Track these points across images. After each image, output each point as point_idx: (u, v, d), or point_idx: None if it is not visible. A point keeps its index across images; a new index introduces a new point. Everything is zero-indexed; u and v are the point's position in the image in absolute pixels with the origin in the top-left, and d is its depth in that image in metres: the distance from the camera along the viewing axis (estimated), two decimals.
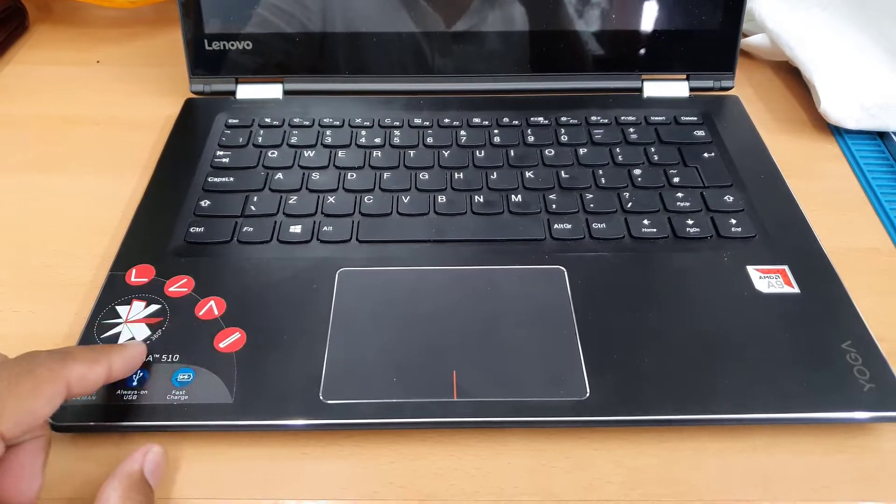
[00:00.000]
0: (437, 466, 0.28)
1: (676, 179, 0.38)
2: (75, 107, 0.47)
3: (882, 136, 0.43)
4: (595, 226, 0.36)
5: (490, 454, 0.28)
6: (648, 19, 0.44)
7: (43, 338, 0.33)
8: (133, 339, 0.31)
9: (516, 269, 0.34)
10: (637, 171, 0.39)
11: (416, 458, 0.28)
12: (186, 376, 0.30)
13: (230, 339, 0.31)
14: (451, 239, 0.36)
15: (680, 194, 0.38)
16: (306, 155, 0.41)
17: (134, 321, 0.32)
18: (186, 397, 0.29)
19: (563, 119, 0.43)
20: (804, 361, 0.30)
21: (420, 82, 0.45)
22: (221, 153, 0.41)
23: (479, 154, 0.41)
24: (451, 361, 0.30)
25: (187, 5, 0.43)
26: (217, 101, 0.45)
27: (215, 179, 0.39)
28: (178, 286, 0.34)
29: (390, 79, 0.45)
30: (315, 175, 0.39)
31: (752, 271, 0.34)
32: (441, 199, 0.38)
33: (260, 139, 0.42)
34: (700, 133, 0.42)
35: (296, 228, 0.36)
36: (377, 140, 0.42)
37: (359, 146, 0.41)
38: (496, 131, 0.42)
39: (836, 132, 0.44)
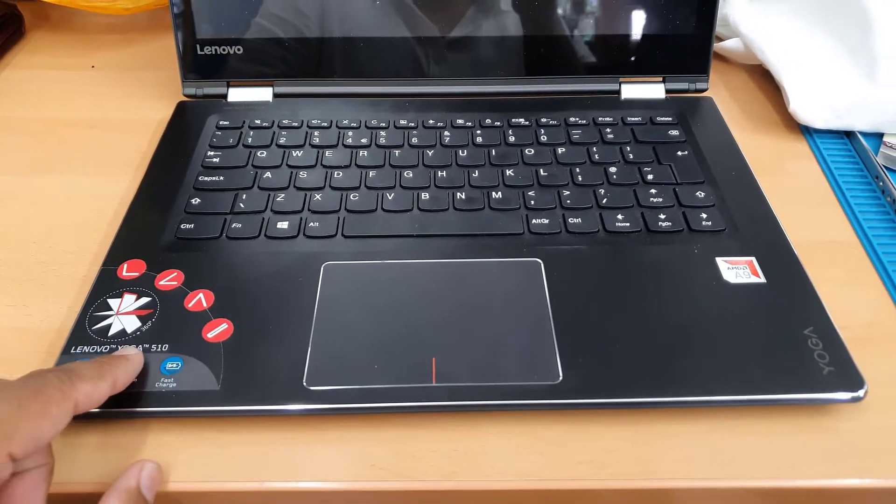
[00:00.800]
0: (417, 448, 0.29)
1: (650, 177, 0.40)
2: (71, 110, 0.48)
3: (849, 135, 0.45)
4: (571, 221, 0.37)
5: (467, 436, 0.30)
6: (626, 25, 0.46)
7: (36, 331, 0.34)
8: (124, 330, 0.32)
9: (495, 261, 0.35)
10: (613, 169, 0.40)
11: (396, 441, 0.30)
12: (175, 365, 0.31)
13: (218, 330, 0.32)
14: (433, 234, 0.37)
15: (653, 190, 0.39)
16: (294, 155, 0.42)
17: (125, 313, 0.33)
18: (175, 385, 0.30)
19: (544, 120, 0.44)
20: (768, 347, 0.31)
21: (406, 85, 0.47)
22: (212, 153, 0.42)
23: (462, 153, 0.42)
24: (430, 349, 0.31)
25: (180, 12, 0.45)
26: (209, 104, 0.47)
27: (206, 178, 0.40)
28: (168, 280, 0.35)
29: (377, 82, 0.47)
30: (302, 174, 0.41)
31: (721, 262, 0.35)
32: (424, 196, 0.39)
33: (250, 140, 0.43)
34: (674, 133, 0.43)
35: (283, 224, 0.37)
36: (363, 140, 0.43)
37: (346, 146, 0.43)
38: (479, 132, 0.44)
39: (806, 132, 0.46)
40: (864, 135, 0.45)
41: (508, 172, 0.41)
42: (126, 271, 0.35)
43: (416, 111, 0.45)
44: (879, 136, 0.45)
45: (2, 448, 0.23)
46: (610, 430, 0.30)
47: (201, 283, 0.34)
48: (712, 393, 0.29)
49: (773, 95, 0.49)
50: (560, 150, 0.42)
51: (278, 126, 0.44)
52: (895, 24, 0.45)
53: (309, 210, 0.38)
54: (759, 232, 0.37)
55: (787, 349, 0.31)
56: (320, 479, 0.29)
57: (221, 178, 0.41)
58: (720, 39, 0.54)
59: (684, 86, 0.47)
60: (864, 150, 0.43)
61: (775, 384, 0.30)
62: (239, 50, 0.46)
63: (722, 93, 0.50)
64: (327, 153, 0.42)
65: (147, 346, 0.32)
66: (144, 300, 0.34)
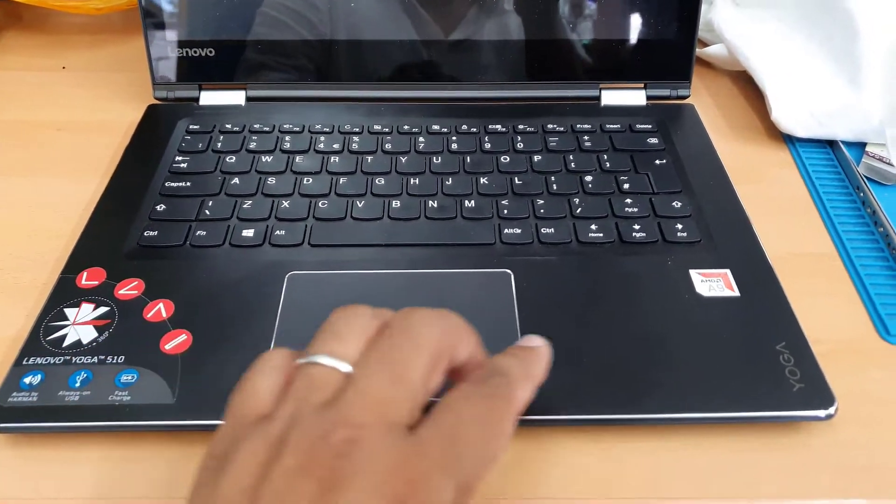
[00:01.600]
0: None
1: (626, 186, 0.39)
2: (38, 112, 0.47)
3: (831, 144, 0.44)
4: (544, 230, 0.37)
5: None
6: (606, 30, 0.45)
7: None
8: (80, 340, 0.31)
9: (464, 272, 0.34)
10: (588, 178, 0.40)
11: None
12: (130, 377, 0.30)
13: (176, 341, 0.31)
14: (402, 243, 0.36)
15: (629, 200, 0.38)
16: (264, 160, 0.41)
17: (81, 323, 0.32)
18: (129, 398, 0.29)
19: (521, 127, 0.43)
20: (739, 363, 0.30)
21: (381, 89, 0.46)
22: (180, 158, 0.41)
23: (437, 160, 0.41)
24: None
25: (150, 13, 0.44)
26: (180, 107, 0.46)
27: (172, 184, 0.40)
28: (128, 289, 0.34)
29: (352, 86, 0.46)
30: (271, 180, 0.40)
31: (695, 275, 0.34)
32: (396, 204, 0.38)
33: (219, 145, 0.42)
34: (653, 140, 0.42)
35: (248, 232, 0.36)
36: (336, 146, 0.42)
37: (317, 151, 0.42)
38: (454, 138, 0.43)
39: (789, 140, 0.45)
40: (848, 144, 0.44)
41: (483, 180, 0.40)
42: (85, 279, 0.34)
43: (392, 116, 0.44)
44: (863, 145, 0.44)
45: (472, 488, 0.20)
46: (577, 447, 0.29)
47: (162, 293, 0.33)
48: (681, 410, 0.29)
49: (757, 102, 0.48)
50: (536, 158, 0.41)
51: (249, 131, 0.43)
52: (880, 30, 0.44)
53: (276, 217, 0.37)
54: (735, 244, 0.36)
55: (758, 365, 0.30)
56: None
57: (188, 183, 0.40)
58: (706, 44, 0.53)
59: (666, 92, 0.46)
60: (845, 159, 0.43)
61: (745, 401, 0.29)
62: (211, 52, 0.45)
63: (705, 99, 0.49)
64: (298, 159, 0.41)
65: (102, 357, 0.31)
66: (102, 310, 0.33)
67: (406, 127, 0.43)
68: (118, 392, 0.29)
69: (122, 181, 0.40)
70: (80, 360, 0.31)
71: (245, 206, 0.38)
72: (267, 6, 0.44)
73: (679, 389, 0.29)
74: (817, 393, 0.29)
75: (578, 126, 0.43)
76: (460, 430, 0.20)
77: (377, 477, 0.18)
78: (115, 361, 0.31)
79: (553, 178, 0.40)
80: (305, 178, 0.40)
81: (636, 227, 0.37)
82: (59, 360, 0.31)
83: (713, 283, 0.34)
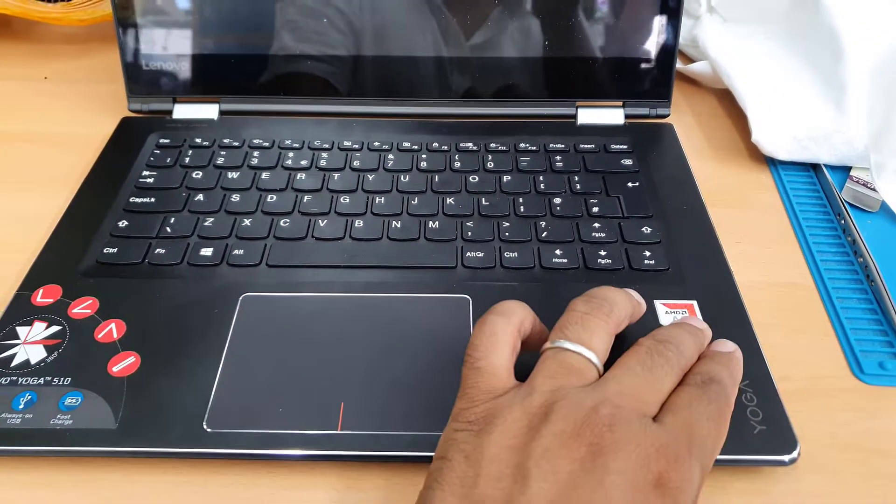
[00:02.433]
0: (318, 498, 0.28)
1: (596, 209, 0.38)
2: (13, 123, 0.47)
3: (814, 167, 0.43)
4: (507, 255, 0.36)
5: (375, 485, 0.28)
6: (584, 47, 0.44)
7: None
8: (28, 360, 0.31)
9: (422, 297, 0.34)
10: (557, 200, 0.39)
11: (295, 488, 0.28)
12: (75, 400, 0.30)
13: (124, 364, 0.31)
14: (362, 265, 0.35)
15: (597, 224, 0.37)
16: (230, 176, 0.41)
17: (31, 342, 0.32)
18: (71, 422, 0.29)
19: (492, 145, 0.43)
20: None
21: (352, 104, 0.45)
22: (147, 173, 0.41)
23: (404, 179, 0.41)
24: (341, 392, 0.30)
25: (125, 25, 0.44)
26: (153, 120, 0.45)
27: (137, 200, 0.39)
28: (82, 307, 0.33)
29: (324, 101, 0.45)
30: (235, 197, 0.39)
31: (659, 306, 0.33)
32: (359, 223, 0.38)
33: (187, 160, 0.42)
34: (628, 162, 0.41)
35: (207, 251, 0.36)
36: (303, 162, 0.42)
37: (284, 168, 0.41)
38: (424, 156, 0.42)
39: (771, 162, 0.44)
40: (831, 168, 0.43)
41: (449, 201, 0.39)
42: (41, 297, 0.34)
43: (362, 133, 0.44)
44: (847, 169, 0.43)
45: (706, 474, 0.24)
46: None
47: (115, 313, 0.33)
48: None
49: (741, 122, 0.47)
50: (505, 178, 0.40)
51: (219, 146, 0.43)
52: (866, 52, 0.43)
53: (236, 236, 0.37)
54: (705, 273, 0.35)
55: None
56: None
57: (153, 199, 0.39)
58: (691, 60, 0.52)
59: (645, 111, 0.45)
60: (828, 184, 0.41)
61: None
62: (185, 65, 0.45)
63: (687, 118, 0.48)
64: (264, 175, 0.41)
65: (49, 378, 0.30)
66: (54, 329, 0.32)
67: (376, 144, 0.43)
68: (61, 416, 0.29)
69: (87, 196, 0.40)
70: (27, 380, 0.30)
71: (206, 223, 0.37)
72: (239, 19, 0.43)
73: None
74: (779, 436, 0.28)
75: (551, 145, 0.42)
76: (698, 424, 0.24)
77: (641, 450, 0.22)
78: (60, 383, 0.30)
79: (521, 200, 0.39)
80: (269, 196, 0.39)
81: (602, 252, 0.36)
82: (6, 380, 0.30)
83: (678, 315, 0.33)
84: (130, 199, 0.39)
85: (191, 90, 0.45)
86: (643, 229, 0.37)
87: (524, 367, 0.26)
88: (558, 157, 0.42)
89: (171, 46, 0.44)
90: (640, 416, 0.23)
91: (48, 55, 0.54)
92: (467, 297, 0.34)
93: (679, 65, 0.50)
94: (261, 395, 0.30)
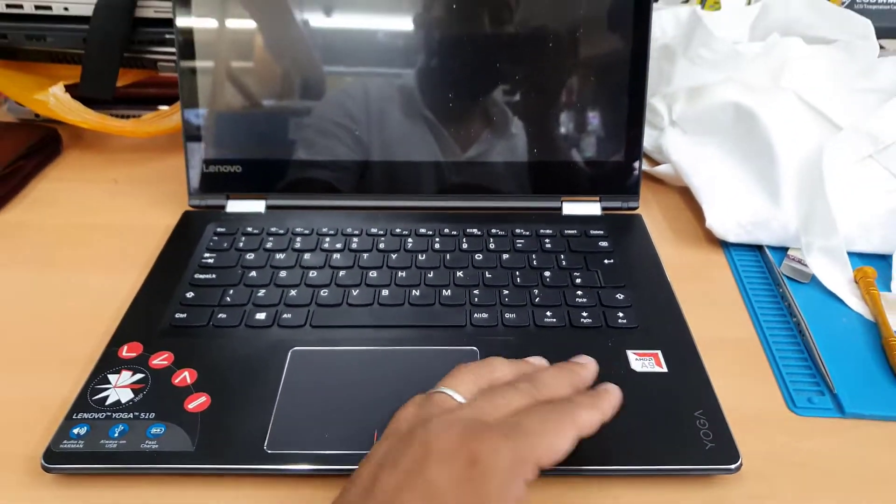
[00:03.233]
0: None
1: (578, 280, 0.47)
2: (90, 216, 0.56)
3: (759, 248, 0.52)
4: (507, 316, 0.44)
5: None
6: (566, 154, 0.54)
7: (45, 400, 0.40)
8: (119, 400, 0.38)
9: (438, 349, 0.42)
10: (547, 274, 0.47)
11: None
12: (159, 430, 0.37)
13: (197, 402, 0.38)
14: (388, 325, 0.43)
15: (580, 292, 0.46)
16: (277, 257, 0.49)
17: (121, 386, 0.39)
18: (157, 446, 0.36)
19: (493, 231, 0.52)
20: (662, 426, 0.36)
21: (379, 200, 0.55)
22: (208, 255, 0.50)
23: (421, 257, 0.49)
24: (373, 423, 0.37)
25: (190, 137, 0.54)
26: (210, 213, 0.55)
27: (200, 276, 0.48)
28: (161, 360, 0.41)
29: (355, 197, 0.55)
30: (282, 273, 0.48)
31: (630, 354, 0.41)
32: (385, 293, 0.46)
33: (241, 244, 0.51)
34: (604, 244, 0.50)
35: (261, 316, 0.44)
36: (338, 245, 0.50)
37: (322, 250, 0.50)
38: (437, 239, 0.51)
39: (724, 245, 0.53)
40: (772, 248, 0.52)
41: (458, 274, 0.47)
42: (126, 352, 0.42)
43: (386, 221, 0.53)
44: (785, 249, 0.52)
45: (530, 461, 0.28)
46: None
47: (188, 363, 0.41)
48: (608, 463, 0.35)
49: (698, 213, 0.56)
50: (505, 256, 0.49)
51: (267, 233, 0.52)
52: (794, 158, 0.53)
53: (284, 304, 0.45)
54: (667, 329, 0.43)
55: (678, 428, 0.36)
56: None
57: (214, 275, 0.48)
58: (657, 163, 0.62)
59: (618, 204, 0.55)
60: (769, 261, 0.50)
61: (664, 456, 0.35)
62: (238, 169, 0.54)
63: (654, 210, 0.58)
64: (306, 256, 0.49)
65: (137, 414, 0.37)
66: (139, 376, 0.40)
67: (398, 230, 0.52)
68: (148, 441, 0.36)
69: (159, 273, 0.48)
70: (119, 415, 0.37)
71: (259, 294, 0.46)
72: (283, 133, 0.54)
73: (609, 445, 0.35)
74: (725, 451, 0.35)
75: (541, 231, 0.52)
76: (528, 420, 0.29)
77: (453, 430, 0.28)
78: (147, 417, 0.37)
79: (518, 273, 0.47)
80: (311, 272, 0.48)
81: (584, 314, 0.44)
82: (102, 415, 0.37)
83: (645, 361, 0.40)
84: (195, 276, 0.48)
85: (242, 189, 0.55)
86: (617, 296, 0.45)
87: None
88: (547, 240, 0.51)
89: (226, 154, 0.54)
90: (468, 419, 0.29)
91: (116, 162, 0.64)
92: (475, 348, 0.41)
93: (647, 167, 0.60)
94: (310, 424, 0.37)
